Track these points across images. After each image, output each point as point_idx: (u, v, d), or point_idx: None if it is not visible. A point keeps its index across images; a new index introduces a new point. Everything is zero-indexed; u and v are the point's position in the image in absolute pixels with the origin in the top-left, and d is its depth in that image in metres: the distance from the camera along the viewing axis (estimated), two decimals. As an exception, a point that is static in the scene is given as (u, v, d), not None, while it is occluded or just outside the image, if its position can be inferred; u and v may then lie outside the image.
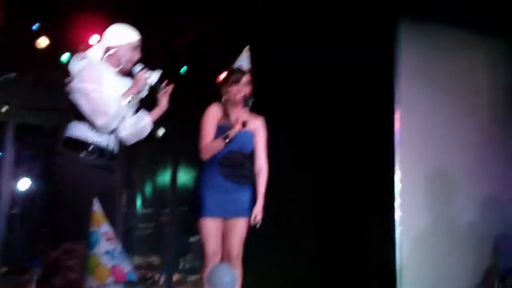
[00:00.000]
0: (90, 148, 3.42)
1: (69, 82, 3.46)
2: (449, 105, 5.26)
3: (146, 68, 3.57)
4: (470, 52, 5.43)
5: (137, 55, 3.59)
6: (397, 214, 4.95)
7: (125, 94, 3.47)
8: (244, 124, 3.83)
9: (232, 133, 3.83)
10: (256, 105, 4.11)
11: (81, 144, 3.42)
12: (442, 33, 5.29)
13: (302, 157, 6.56)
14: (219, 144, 3.86)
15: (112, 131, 3.50)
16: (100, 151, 3.46)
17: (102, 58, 3.55)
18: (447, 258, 5.03)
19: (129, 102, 3.48)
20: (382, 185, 5.15)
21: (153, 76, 3.56)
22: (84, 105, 3.36)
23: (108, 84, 3.45)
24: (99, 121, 3.36)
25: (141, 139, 3.72)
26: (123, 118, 3.50)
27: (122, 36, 3.58)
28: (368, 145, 5.69)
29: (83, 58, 3.49)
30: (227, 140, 3.83)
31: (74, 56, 3.51)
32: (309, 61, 6.26)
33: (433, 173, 5.14)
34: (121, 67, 3.57)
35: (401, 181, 4.95)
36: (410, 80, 5.13)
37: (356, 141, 5.94)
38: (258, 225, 3.98)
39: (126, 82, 3.58)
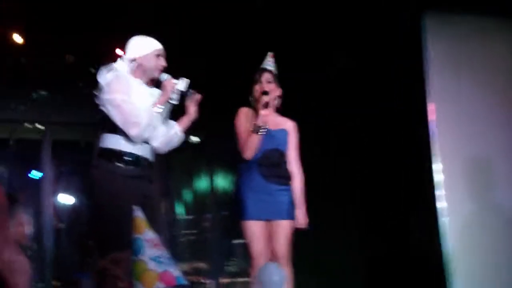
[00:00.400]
0: (125, 158, 3.42)
1: (99, 94, 3.48)
2: (480, 92, 5.22)
3: (172, 78, 3.58)
4: (496, 37, 5.36)
5: (162, 63, 3.60)
6: (442, 205, 4.88)
7: (155, 103, 3.49)
8: (265, 93, 3.88)
9: (259, 121, 3.83)
10: (289, 109, 4.13)
11: (116, 155, 3.42)
12: (469, 21, 5.26)
13: (343, 154, 6.56)
14: (254, 138, 3.85)
15: (146, 141, 3.51)
16: (135, 160, 3.45)
17: (128, 71, 3.56)
18: (495, 245, 4.96)
19: (160, 110, 3.49)
20: (423, 178, 5.10)
21: (182, 83, 3.57)
22: (115, 116, 3.38)
23: (137, 94, 3.46)
24: (132, 132, 3.37)
25: (173, 147, 3.72)
26: (155, 127, 3.50)
27: (145, 46, 3.59)
28: (406, 139, 5.65)
29: (110, 70, 3.50)
30: (260, 130, 3.83)
31: (102, 69, 3.52)
32: (340, 59, 6.26)
33: (473, 161, 5.09)
34: (147, 76, 3.58)
35: (442, 171, 4.89)
36: (441, 71, 5.11)
37: (394, 136, 5.91)
38: (304, 228, 3.96)
39: (154, 92, 3.59)
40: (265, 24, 5.74)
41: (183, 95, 3.59)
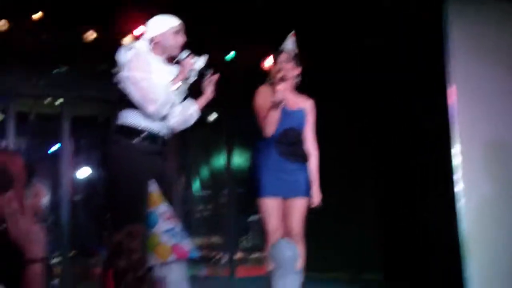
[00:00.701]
0: (143, 134, 3.46)
1: (118, 72, 3.50)
2: (502, 76, 5.17)
3: (192, 54, 3.59)
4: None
5: (181, 40, 3.61)
6: (459, 187, 4.85)
7: (173, 81, 3.52)
8: (282, 75, 3.92)
9: (278, 95, 3.82)
10: (309, 88, 4.13)
11: (134, 131, 3.46)
12: (490, 4, 5.18)
13: (362, 135, 6.57)
14: (273, 114, 3.86)
15: (163, 118, 3.53)
16: (152, 137, 3.49)
17: (148, 49, 3.58)
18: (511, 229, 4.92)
19: (177, 88, 3.51)
20: (442, 159, 5.08)
21: (200, 62, 3.59)
22: (134, 93, 3.41)
23: (156, 72, 3.49)
24: (150, 108, 3.40)
25: (189, 126, 3.74)
26: (173, 104, 3.52)
27: (163, 24, 3.61)
28: (426, 120, 5.63)
29: (130, 48, 3.53)
30: (278, 106, 3.83)
31: (122, 47, 3.55)
32: (363, 41, 6.24)
33: (493, 143, 5.05)
34: (167, 54, 3.61)
35: (461, 153, 4.86)
36: (462, 54, 5.06)
37: (414, 118, 5.90)
38: (318, 206, 4.00)
39: (174, 70, 3.62)
40: (289, 3, 5.72)
41: (201, 74, 3.60)
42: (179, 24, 3.63)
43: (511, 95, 5.16)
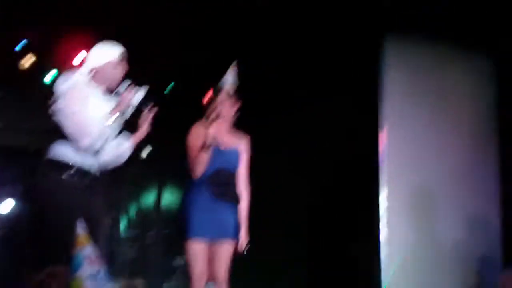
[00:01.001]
0: (73, 169, 3.39)
1: (54, 103, 3.44)
2: (434, 123, 5.28)
3: (132, 85, 3.56)
4: (455, 69, 5.46)
5: (120, 72, 3.57)
6: (383, 233, 4.92)
7: (109, 114, 3.46)
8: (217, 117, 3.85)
9: (208, 138, 3.80)
10: (243, 122, 4.12)
11: (64, 166, 3.39)
12: (427, 50, 5.32)
13: (290, 176, 6.57)
14: (203, 155, 3.82)
15: (95, 153, 3.48)
16: (82, 172, 3.43)
17: (88, 79, 3.54)
18: (432, 277, 5.03)
19: (113, 122, 3.46)
20: (368, 204, 5.14)
21: (138, 95, 3.54)
22: (67, 126, 3.35)
23: (93, 105, 3.44)
24: (83, 142, 3.34)
25: (121, 163, 3.68)
26: (107, 138, 3.47)
27: (103, 55, 3.57)
28: (354, 163, 5.70)
29: (68, 79, 3.47)
30: (208, 148, 3.80)
31: (59, 77, 3.49)
32: (296, 76, 6.28)
33: (419, 191, 5.15)
34: (107, 85, 3.56)
35: (387, 198, 4.94)
36: (396, 98, 5.14)
37: (343, 160, 5.95)
38: (245, 251, 3.97)
39: (112, 101, 3.56)
40: (228, 33, 5.74)
41: (139, 108, 3.56)
42: (120, 55, 3.59)
43: (441, 141, 5.27)
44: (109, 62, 3.55)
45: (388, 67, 5.13)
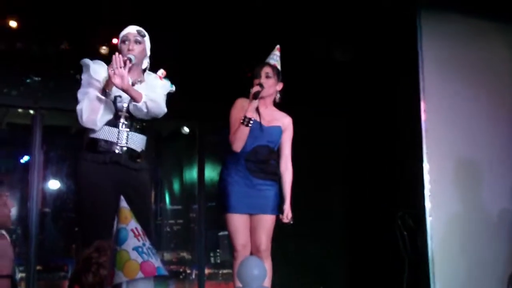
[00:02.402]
0: (97, 144, 3.48)
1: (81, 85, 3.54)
2: (474, 94, 5.24)
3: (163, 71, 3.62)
4: (492, 40, 5.41)
5: (129, 47, 3.58)
6: (427, 205, 4.90)
7: (104, 87, 3.48)
8: (258, 90, 3.84)
9: (249, 111, 3.83)
10: (287, 105, 4.13)
11: (91, 143, 3.49)
12: (463, 22, 5.28)
13: (333, 151, 6.58)
14: (242, 129, 3.85)
15: (125, 127, 3.53)
16: (106, 146, 3.50)
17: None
18: (478, 246, 5.02)
19: (109, 93, 3.47)
20: (412, 177, 5.13)
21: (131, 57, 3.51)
22: (82, 105, 3.45)
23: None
24: (80, 121, 3.45)
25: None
26: (108, 110, 3.48)
27: (121, 33, 3.66)
28: (397, 138, 5.68)
29: (83, 64, 3.55)
30: (248, 122, 3.83)
31: (82, 61, 3.55)
32: (335, 55, 6.28)
33: (462, 162, 5.12)
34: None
35: (429, 172, 4.91)
36: (434, 71, 5.11)
37: (385, 135, 5.94)
38: (290, 222, 3.99)
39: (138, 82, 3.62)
40: (269, 17, 5.74)
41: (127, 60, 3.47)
42: (125, 34, 3.62)
43: (482, 113, 5.23)
44: (120, 40, 3.63)
45: (426, 40, 5.08)
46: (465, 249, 4.97)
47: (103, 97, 3.46)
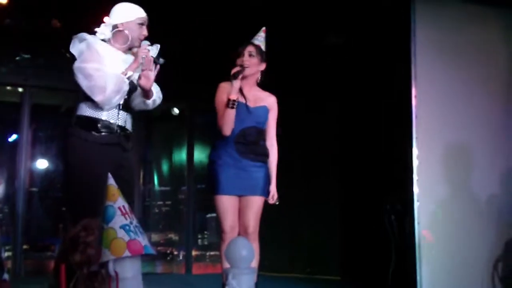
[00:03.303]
0: (99, 125, 3.44)
1: (72, 63, 3.47)
2: (466, 79, 5.23)
3: (148, 44, 3.54)
4: (486, 25, 5.38)
5: (144, 32, 3.59)
6: (415, 190, 4.91)
7: (126, 70, 3.47)
8: (238, 70, 3.85)
9: (232, 93, 3.82)
10: (272, 85, 4.12)
11: (90, 122, 3.44)
12: (457, 7, 5.26)
13: (324, 137, 6.60)
14: (228, 112, 3.84)
15: (121, 108, 3.51)
16: (109, 127, 3.47)
17: (109, 37, 3.55)
18: (466, 231, 5.02)
19: (129, 75, 3.47)
20: (400, 161, 5.13)
21: (154, 50, 3.53)
22: (83, 84, 3.38)
23: (110, 62, 3.46)
24: (98, 98, 3.37)
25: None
26: (124, 92, 3.47)
27: (130, 12, 3.58)
28: (386, 122, 5.69)
29: (82, 39, 3.48)
30: (232, 104, 3.82)
31: (74, 37, 3.50)
32: (328, 38, 6.27)
33: (451, 148, 5.12)
34: (128, 44, 3.57)
35: (418, 157, 4.91)
36: (427, 57, 5.08)
37: (376, 120, 5.95)
38: (276, 203, 4.00)
39: (129, 58, 3.57)
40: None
41: (155, 62, 3.54)
42: (145, 17, 3.61)
43: (472, 97, 5.22)
44: (134, 21, 3.56)
45: (419, 26, 5.06)
46: (452, 234, 4.97)
47: (127, 81, 3.44)
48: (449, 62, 5.18)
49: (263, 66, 4.05)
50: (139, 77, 3.46)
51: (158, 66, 3.50)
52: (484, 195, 5.16)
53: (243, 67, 3.90)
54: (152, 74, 3.46)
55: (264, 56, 4.04)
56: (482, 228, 5.06)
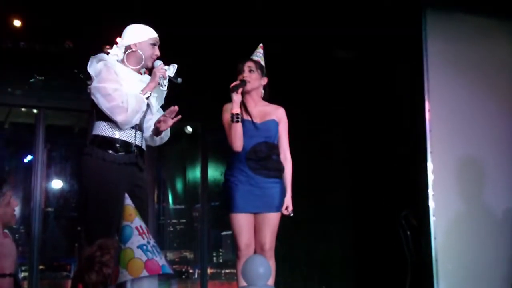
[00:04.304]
0: (116, 145, 3.46)
1: (89, 83, 3.51)
2: (478, 93, 5.23)
3: (163, 64, 3.59)
4: (498, 38, 5.39)
5: (156, 52, 3.63)
6: (431, 205, 4.89)
7: (144, 89, 3.51)
8: (236, 83, 3.86)
9: (233, 108, 3.84)
10: (278, 97, 4.13)
11: (108, 142, 3.46)
12: (468, 20, 5.27)
13: (337, 152, 6.58)
14: (234, 127, 3.85)
15: (137, 128, 3.54)
16: (126, 147, 3.49)
17: (122, 58, 3.59)
18: (482, 246, 5.00)
19: (148, 96, 3.51)
20: (416, 177, 5.12)
21: (171, 69, 3.57)
22: (103, 103, 3.40)
23: (127, 82, 3.49)
24: (119, 118, 3.39)
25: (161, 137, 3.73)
26: (143, 112, 3.52)
27: (142, 33, 3.62)
28: (401, 137, 5.68)
29: (100, 59, 3.52)
30: (236, 118, 3.84)
31: (92, 58, 3.54)
32: (339, 52, 6.27)
33: (465, 162, 5.10)
34: (142, 64, 3.61)
35: (433, 172, 4.90)
36: (439, 71, 5.10)
37: (389, 135, 5.94)
38: (290, 215, 3.97)
39: (145, 78, 3.61)
40: (270, 17, 5.74)
41: (171, 82, 3.59)
42: (157, 37, 3.65)
43: (485, 111, 5.22)
44: (146, 41, 3.60)
45: (431, 40, 5.07)
46: (468, 249, 4.95)
47: (146, 101, 3.49)
48: (461, 75, 5.18)
49: (264, 81, 4.06)
50: (159, 121, 3.54)
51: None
52: (499, 208, 5.14)
53: (242, 82, 3.91)
54: (172, 122, 3.55)
55: (264, 70, 4.06)
56: (498, 242, 5.04)
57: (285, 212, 3.96)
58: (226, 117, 3.95)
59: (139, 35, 3.61)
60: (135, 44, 3.58)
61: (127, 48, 3.59)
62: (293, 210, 3.98)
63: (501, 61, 5.38)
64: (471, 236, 4.97)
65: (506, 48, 5.43)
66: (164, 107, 3.75)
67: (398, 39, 5.58)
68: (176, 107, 3.52)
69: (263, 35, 4.42)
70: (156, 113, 3.68)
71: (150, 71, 3.66)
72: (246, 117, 3.94)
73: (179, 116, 3.56)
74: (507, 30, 5.44)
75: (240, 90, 3.88)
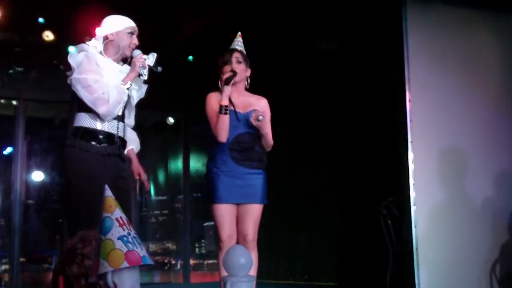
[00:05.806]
0: (99, 136, 3.47)
1: (70, 74, 3.49)
2: (459, 83, 5.24)
3: (142, 53, 3.59)
4: (479, 29, 5.41)
5: (134, 41, 3.63)
6: (412, 194, 4.91)
7: (124, 80, 3.51)
8: (230, 75, 3.83)
9: (223, 99, 3.81)
10: (263, 88, 4.12)
11: (90, 133, 3.46)
12: (449, 11, 5.28)
13: (319, 142, 6.60)
14: (222, 119, 3.83)
15: (119, 119, 3.54)
16: (109, 138, 3.49)
17: (101, 48, 3.58)
18: (463, 235, 5.02)
19: (129, 86, 3.51)
20: (396, 167, 5.14)
21: (150, 58, 3.56)
22: (85, 95, 3.40)
23: (108, 73, 3.49)
24: (101, 109, 3.40)
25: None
26: (124, 103, 3.52)
27: (118, 22, 3.63)
28: (381, 127, 5.70)
29: (81, 50, 3.52)
30: (225, 110, 3.82)
31: (72, 49, 3.53)
32: (319, 45, 6.28)
33: (446, 151, 5.12)
34: (118, 55, 3.60)
35: (413, 161, 4.92)
36: (420, 61, 5.09)
37: (370, 125, 5.97)
38: (258, 118, 3.82)
39: (124, 69, 3.61)
40: (256, 10, 5.73)
41: (152, 71, 3.58)
42: (134, 26, 3.66)
43: (467, 101, 5.24)
44: (123, 30, 3.61)
45: (412, 30, 5.08)
46: (449, 237, 4.98)
47: (127, 91, 3.48)
48: (442, 66, 5.19)
49: (249, 72, 4.04)
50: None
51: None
52: (480, 198, 5.17)
53: (234, 73, 3.89)
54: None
55: (248, 61, 4.04)
56: (479, 231, 5.07)
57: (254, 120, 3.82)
58: (211, 106, 3.92)
59: (115, 24, 3.62)
60: (112, 34, 3.59)
61: (105, 38, 3.59)
62: (276, 201, 3.98)
63: (482, 52, 5.41)
64: (452, 225, 5.00)
65: (487, 39, 5.45)
66: (145, 100, 3.75)
67: (379, 30, 5.60)
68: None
69: (246, 27, 4.42)
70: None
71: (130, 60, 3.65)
72: (229, 107, 3.92)
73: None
74: (489, 21, 5.47)
75: (232, 82, 3.86)
